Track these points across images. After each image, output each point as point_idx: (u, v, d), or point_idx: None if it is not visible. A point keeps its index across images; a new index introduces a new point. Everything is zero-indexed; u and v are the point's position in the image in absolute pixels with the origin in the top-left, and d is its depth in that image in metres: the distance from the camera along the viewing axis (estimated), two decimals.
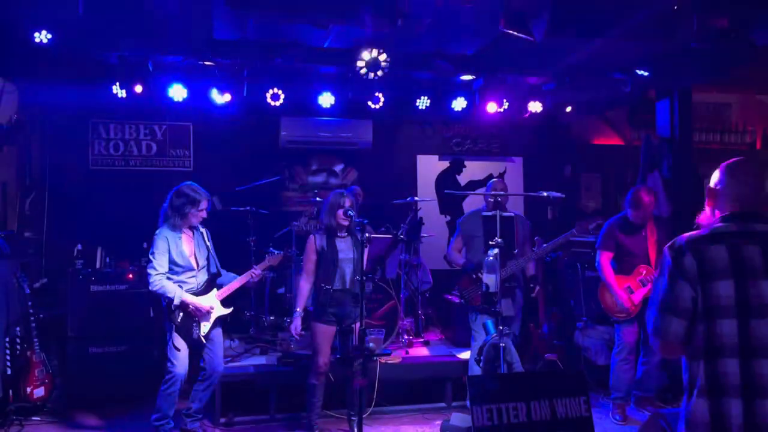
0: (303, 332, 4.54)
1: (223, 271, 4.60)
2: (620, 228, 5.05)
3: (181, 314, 4.25)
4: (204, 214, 4.42)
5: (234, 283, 4.53)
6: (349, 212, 4.30)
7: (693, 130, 6.59)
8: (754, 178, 2.19)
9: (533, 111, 6.81)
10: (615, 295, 4.94)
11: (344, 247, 4.45)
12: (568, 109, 6.71)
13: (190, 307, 4.24)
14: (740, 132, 8.27)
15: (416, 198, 6.26)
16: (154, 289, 4.20)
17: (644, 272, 4.95)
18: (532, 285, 5.17)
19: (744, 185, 2.19)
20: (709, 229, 2.20)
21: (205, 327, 4.34)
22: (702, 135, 8.03)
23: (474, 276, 4.92)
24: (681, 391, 4.79)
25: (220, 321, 4.51)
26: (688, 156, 6.14)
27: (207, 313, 4.33)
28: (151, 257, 4.24)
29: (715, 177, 2.29)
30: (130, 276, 5.52)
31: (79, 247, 5.68)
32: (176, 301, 4.19)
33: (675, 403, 5.35)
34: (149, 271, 4.22)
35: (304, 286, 4.51)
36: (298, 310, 4.46)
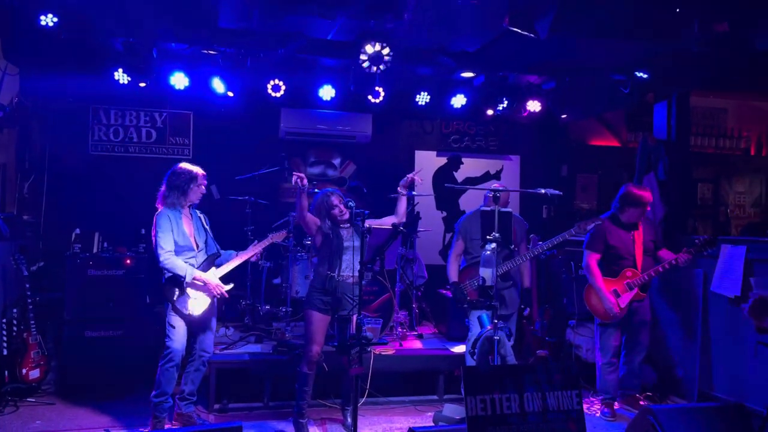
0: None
1: (222, 252, 4.65)
2: (610, 230, 4.96)
3: (177, 291, 4.30)
4: (203, 190, 4.50)
5: (234, 260, 4.58)
6: (350, 204, 4.33)
7: (689, 134, 6.64)
8: None
9: (532, 110, 6.86)
10: (604, 299, 4.88)
11: (347, 236, 4.48)
12: (564, 116, 6.75)
13: (200, 282, 4.30)
14: (735, 137, 8.36)
15: (413, 192, 6.29)
16: (165, 266, 4.24)
17: (630, 275, 4.90)
18: (523, 306, 5.18)
19: None
20: None
21: (201, 305, 4.38)
22: (697, 139, 8.11)
23: (457, 299, 4.98)
24: (669, 388, 4.97)
25: (215, 306, 4.56)
26: (685, 159, 6.20)
27: (209, 289, 4.38)
28: (157, 237, 4.27)
29: None
30: (128, 261, 5.54)
31: (77, 231, 5.69)
32: (188, 279, 4.24)
33: (663, 401, 5.43)
34: (158, 250, 4.25)
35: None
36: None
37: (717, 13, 4.02)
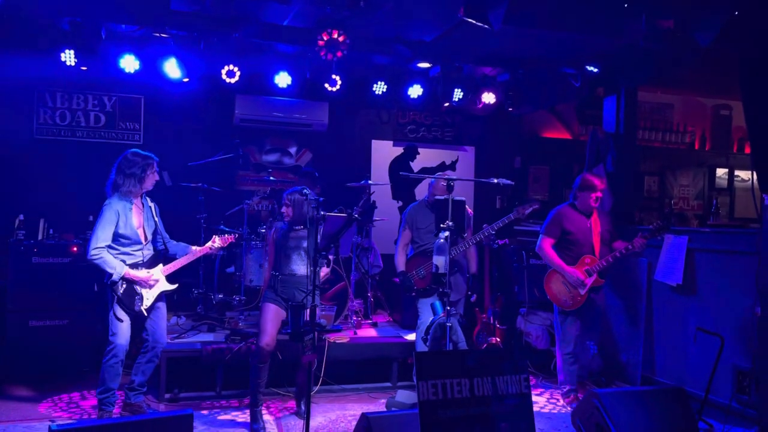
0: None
1: (173, 242, 4.55)
2: (567, 216, 5.07)
3: (124, 286, 4.18)
4: (157, 176, 4.39)
5: (181, 260, 4.47)
6: (305, 191, 4.31)
7: (637, 128, 6.86)
8: None
9: (487, 102, 6.94)
10: (568, 274, 4.93)
11: (305, 235, 4.42)
12: (511, 109, 6.86)
13: (134, 279, 4.19)
14: (681, 132, 8.66)
15: (370, 182, 6.32)
16: (93, 261, 4.10)
17: (589, 262, 4.99)
18: (470, 293, 5.26)
19: None
20: None
21: (147, 300, 4.28)
22: (645, 133, 8.37)
23: (405, 288, 5.05)
24: (614, 373, 5.06)
25: (164, 296, 4.46)
26: (632, 152, 6.39)
27: (150, 286, 4.29)
28: (94, 229, 4.13)
29: None
30: (74, 249, 5.39)
31: (21, 217, 5.51)
32: (115, 277, 4.11)
33: (608, 386, 5.61)
34: (90, 242, 4.11)
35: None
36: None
37: (663, 9, 4.15)
